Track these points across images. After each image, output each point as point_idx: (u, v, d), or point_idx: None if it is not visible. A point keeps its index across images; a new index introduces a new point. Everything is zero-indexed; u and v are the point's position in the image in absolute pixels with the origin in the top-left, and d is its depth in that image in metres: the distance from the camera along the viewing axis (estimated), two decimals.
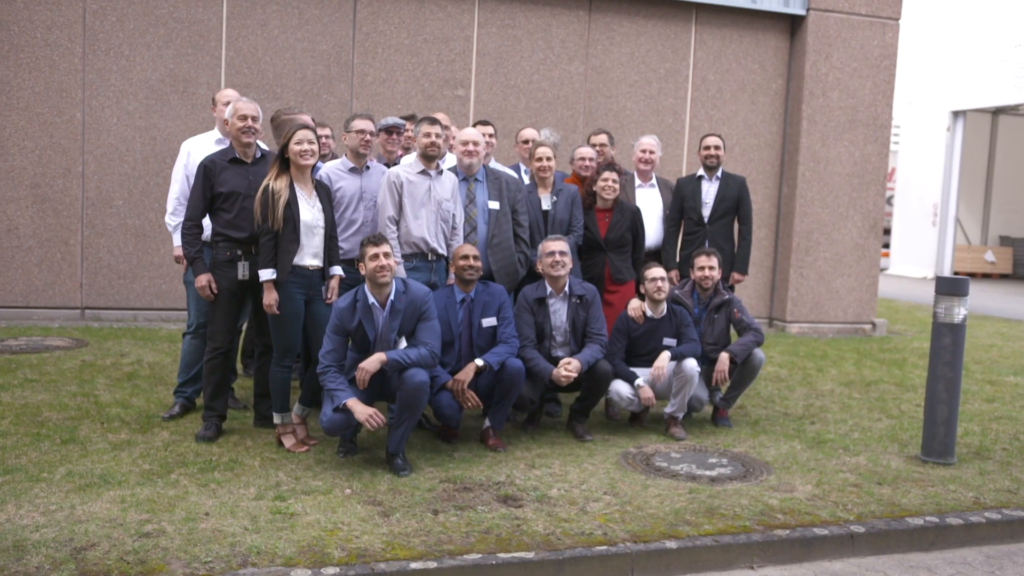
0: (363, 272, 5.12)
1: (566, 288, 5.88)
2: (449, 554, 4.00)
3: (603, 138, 7.33)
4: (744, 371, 6.37)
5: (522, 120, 10.18)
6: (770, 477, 5.30)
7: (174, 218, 5.99)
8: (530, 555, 4.04)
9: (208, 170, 5.51)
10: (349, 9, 9.82)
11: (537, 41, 10.42)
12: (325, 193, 5.51)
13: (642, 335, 6.16)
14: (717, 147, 7.33)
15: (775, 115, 11.32)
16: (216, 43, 9.49)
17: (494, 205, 6.17)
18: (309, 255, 5.35)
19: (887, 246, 24.06)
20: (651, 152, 7.18)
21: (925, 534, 4.69)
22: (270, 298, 5.24)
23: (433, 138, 5.75)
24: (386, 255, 5.00)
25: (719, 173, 7.33)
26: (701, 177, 7.34)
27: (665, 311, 6.18)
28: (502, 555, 4.02)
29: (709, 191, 7.29)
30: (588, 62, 10.61)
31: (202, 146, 6.08)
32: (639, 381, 6.05)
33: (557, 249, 5.81)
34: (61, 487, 4.53)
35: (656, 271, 6.12)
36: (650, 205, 7.20)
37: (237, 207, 5.49)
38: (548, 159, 6.45)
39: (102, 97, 9.20)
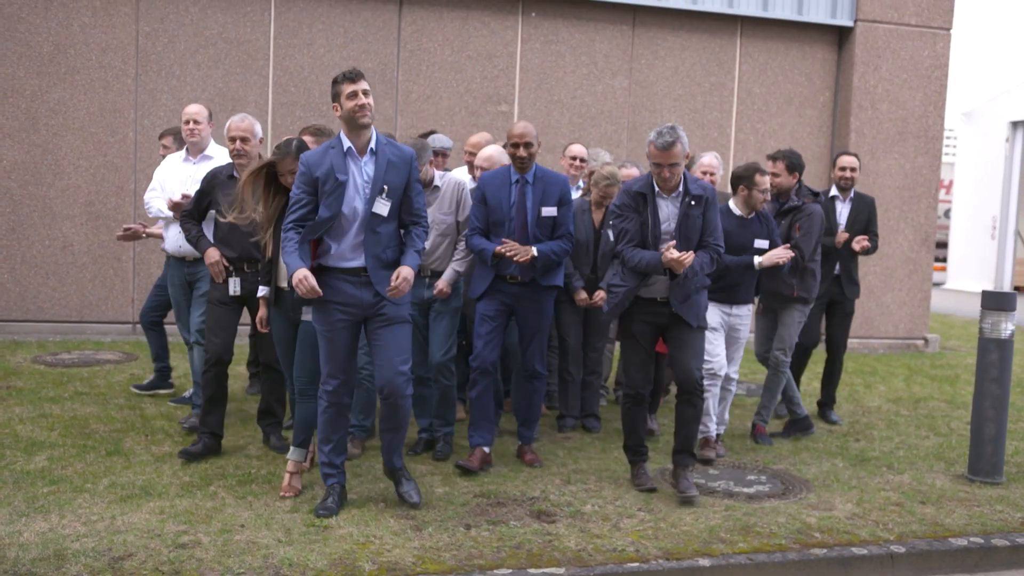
0: (338, 115, 4.53)
1: (680, 188, 5.05)
2: (479, 569, 4.01)
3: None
4: (771, 380, 6.40)
5: (566, 136, 10.20)
6: (809, 495, 5.22)
7: (151, 193, 6.46)
8: (560, 571, 4.02)
9: (207, 181, 5.59)
10: (394, 27, 9.95)
11: (580, 56, 10.44)
12: None
13: (732, 232, 5.83)
14: (853, 168, 7.13)
15: (823, 128, 11.19)
16: (264, 62, 9.67)
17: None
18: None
19: (944, 260, 23.56)
20: (712, 173, 7.09)
21: (969, 555, 4.58)
22: (261, 313, 5.10)
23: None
24: (365, 92, 4.43)
25: (852, 194, 7.14)
26: (835, 198, 7.13)
27: (754, 213, 5.96)
28: (532, 571, 4.02)
29: (843, 212, 7.10)
30: (632, 76, 10.60)
31: (171, 163, 6.51)
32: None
33: (664, 163, 4.91)
34: (104, 498, 4.64)
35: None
36: None
37: (228, 224, 5.40)
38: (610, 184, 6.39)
39: (153, 117, 9.42)
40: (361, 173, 4.48)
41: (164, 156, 6.91)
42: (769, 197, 6.16)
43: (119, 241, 7.25)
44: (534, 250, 5.32)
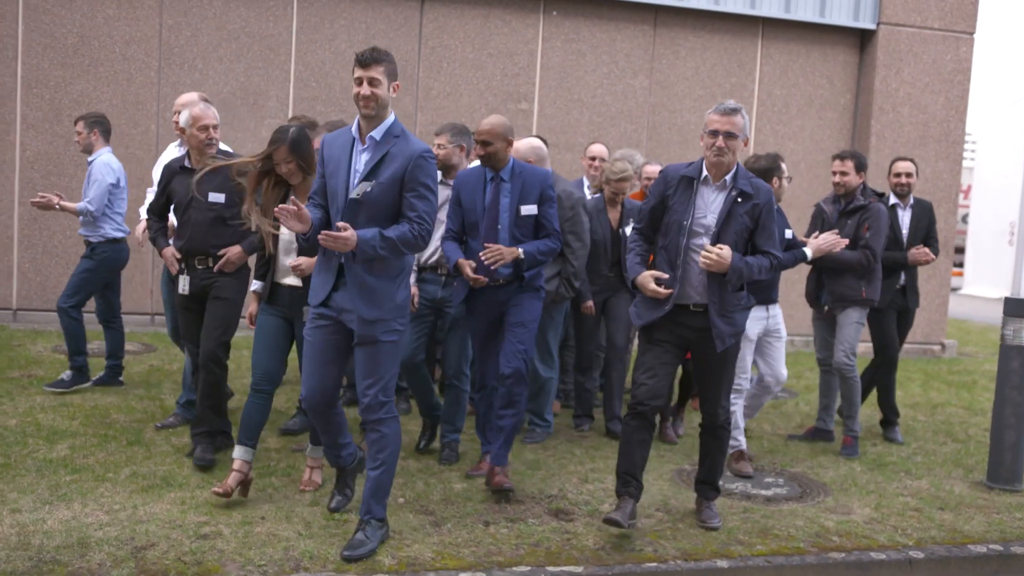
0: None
1: (727, 177, 4.36)
2: (498, 565, 4.02)
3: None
4: (845, 389, 6.26)
5: (585, 135, 10.20)
6: (827, 499, 5.21)
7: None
8: (579, 569, 4.03)
9: (164, 176, 5.39)
10: (415, 24, 9.97)
11: (601, 55, 10.44)
12: None
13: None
14: (909, 173, 6.71)
15: (843, 131, 11.15)
16: (286, 57, 9.71)
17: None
18: (285, 273, 4.76)
19: (960, 265, 23.44)
20: None
21: (988, 562, 4.56)
22: (252, 309, 4.89)
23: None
24: (372, 81, 3.97)
25: (911, 200, 6.77)
26: (895, 206, 6.68)
27: None
28: (551, 568, 4.03)
29: (904, 219, 6.68)
30: (652, 76, 10.59)
31: (171, 154, 6.42)
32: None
33: (722, 130, 4.28)
34: (125, 487, 4.67)
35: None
36: None
37: (181, 218, 5.26)
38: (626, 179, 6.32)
39: None
40: (357, 161, 4.08)
41: (79, 143, 6.73)
42: (785, 185, 5.90)
43: (33, 207, 6.96)
44: (520, 251, 4.89)
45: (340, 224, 3.84)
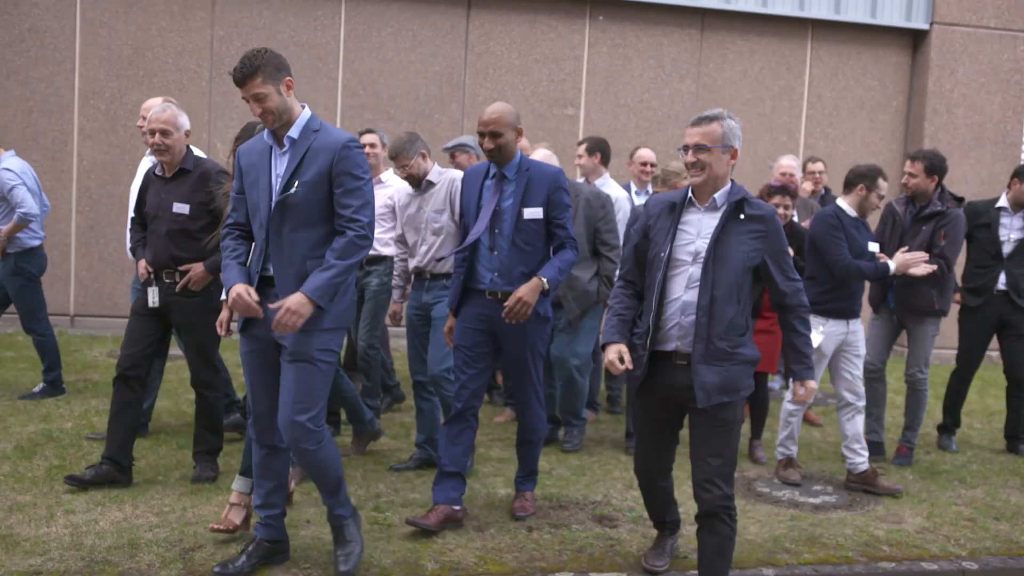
0: None
1: (718, 196, 3.64)
2: (541, 571, 4.02)
3: (820, 165, 7.13)
4: (912, 400, 6.05)
5: (632, 139, 10.15)
6: (877, 507, 5.11)
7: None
8: None
9: (143, 181, 5.11)
10: (462, 31, 10.02)
11: (648, 60, 10.39)
12: None
13: (852, 235, 5.45)
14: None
15: (895, 133, 10.96)
16: (333, 66, 9.83)
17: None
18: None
19: None
20: (791, 174, 6.92)
21: None
22: (223, 316, 4.42)
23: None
24: (256, 98, 3.59)
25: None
26: (1002, 209, 6.35)
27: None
28: (593, 574, 4.01)
29: (1012, 225, 6.34)
30: (700, 80, 10.52)
31: (146, 166, 6.22)
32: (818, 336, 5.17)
33: (690, 143, 3.64)
34: (175, 490, 4.76)
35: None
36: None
37: (148, 227, 4.98)
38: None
39: (227, 118, 9.64)
40: (277, 165, 3.71)
41: None
42: (881, 206, 5.70)
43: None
44: (544, 280, 4.31)
45: (276, 305, 3.52)
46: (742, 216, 3.58)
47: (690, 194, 3.66)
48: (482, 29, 10.06)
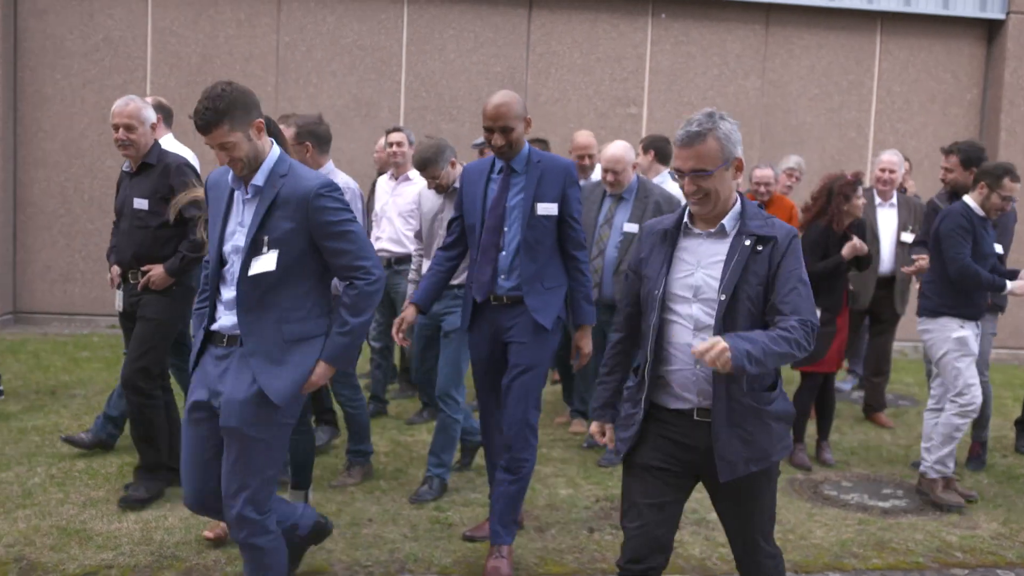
0: None
1: (727, 221, 2.89)
2: (602, 572, 3.99)
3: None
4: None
5: None
6: (950, 512, 4.96)
7: None
8: None
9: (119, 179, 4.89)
10: (523, 31, 10.03)
11: (712, 57, 10.27)
12: None
13: (980, 237, 5.15)
14: (892, 169, 6.37)
15: (969, 127, 10.63)
16: (396, 68, 9.92)
17: (631, 228, 5.42)
18: None
19: None
20: (891, 170, 6.69)
21: None
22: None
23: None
24: (224, 147, 3.11)
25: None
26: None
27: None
28: None
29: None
30: (765, 76, 10.35)
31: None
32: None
33: (686, 168, 2.85)
34: None
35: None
36: (887, 225, 6.71)
37: (115, 225, 4.82)
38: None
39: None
40: (241, 212, 3.21)
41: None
42: (1009, 207, 5.30)
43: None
44: (587, 346, 4.10)
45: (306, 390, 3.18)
46: (759, 246, 2.82)
47: (686, 218, 2.95)
48: (543, 29, 10.05)
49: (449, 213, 4.89)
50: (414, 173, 6.29)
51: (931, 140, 10.55)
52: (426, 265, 4.96)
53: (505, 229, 4.02)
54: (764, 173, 6.82)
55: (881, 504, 5.06)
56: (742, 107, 10.31)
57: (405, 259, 6.06)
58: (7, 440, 5.49)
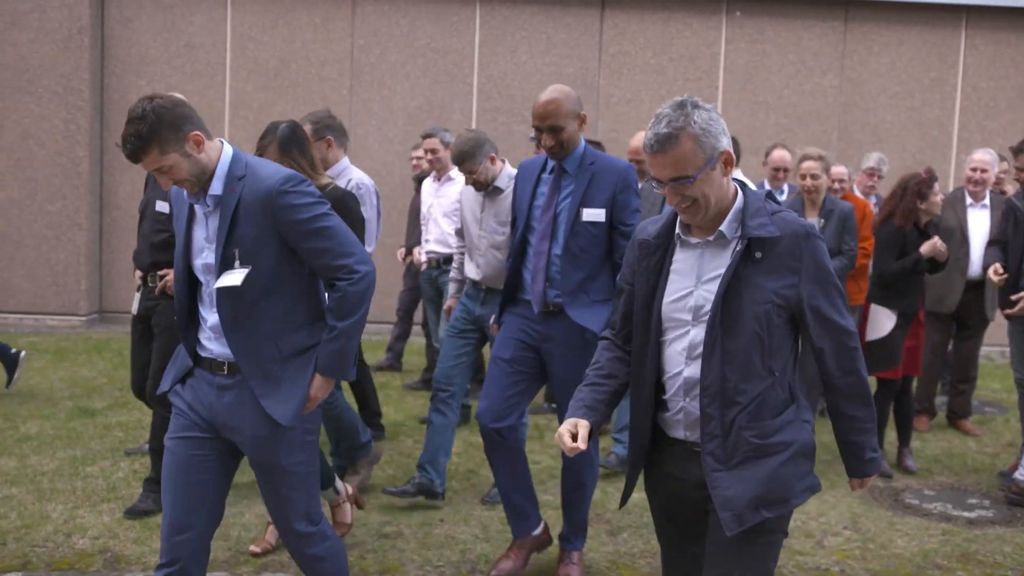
0: None
1: (724, 228, 2.39)
2: None
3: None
4: None
5: (771, 137, 9.86)
6: None
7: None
8: None
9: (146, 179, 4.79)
10: (595, 31, 9.99)
11: (788, 55, 10.08)
12: None
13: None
14: (815, 175, 5.71)
15: None
16: (469, 70, 9.96)
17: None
18: None
19: None
20: (983, 170, 6.43)
21: None
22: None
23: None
24: (162, 171, 2.74)
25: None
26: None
27: None
28: None
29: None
30: (843, 74, 10.13)
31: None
32: None
33: (664, 178, 2.36)
34: None
35: None
36: (978, 227, 6.43)
37: (140, 227, 4.73)
38: (814, 177, 5.83)
39: (366, 125, 9.92)
40: (203, 226, 2.88)
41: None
42: None
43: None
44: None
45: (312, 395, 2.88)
46: (757, 253, 2.35)
47: (678, 228, 2.47)
48: (616, 29, 9.99)
49: (490, 211, 4.74)
50: (456, 172, 6.19)
51: (1019, 138, 10.17)
52: (467, 263, 4.85)
53: (556, 235, 3.77)
54: (838, 170, 6.67)
55: (966, 514, 4.89)
56: (819, 106, 10.10)
57: (452, 258, 6.03)
58: (92, 436, 5.67)
